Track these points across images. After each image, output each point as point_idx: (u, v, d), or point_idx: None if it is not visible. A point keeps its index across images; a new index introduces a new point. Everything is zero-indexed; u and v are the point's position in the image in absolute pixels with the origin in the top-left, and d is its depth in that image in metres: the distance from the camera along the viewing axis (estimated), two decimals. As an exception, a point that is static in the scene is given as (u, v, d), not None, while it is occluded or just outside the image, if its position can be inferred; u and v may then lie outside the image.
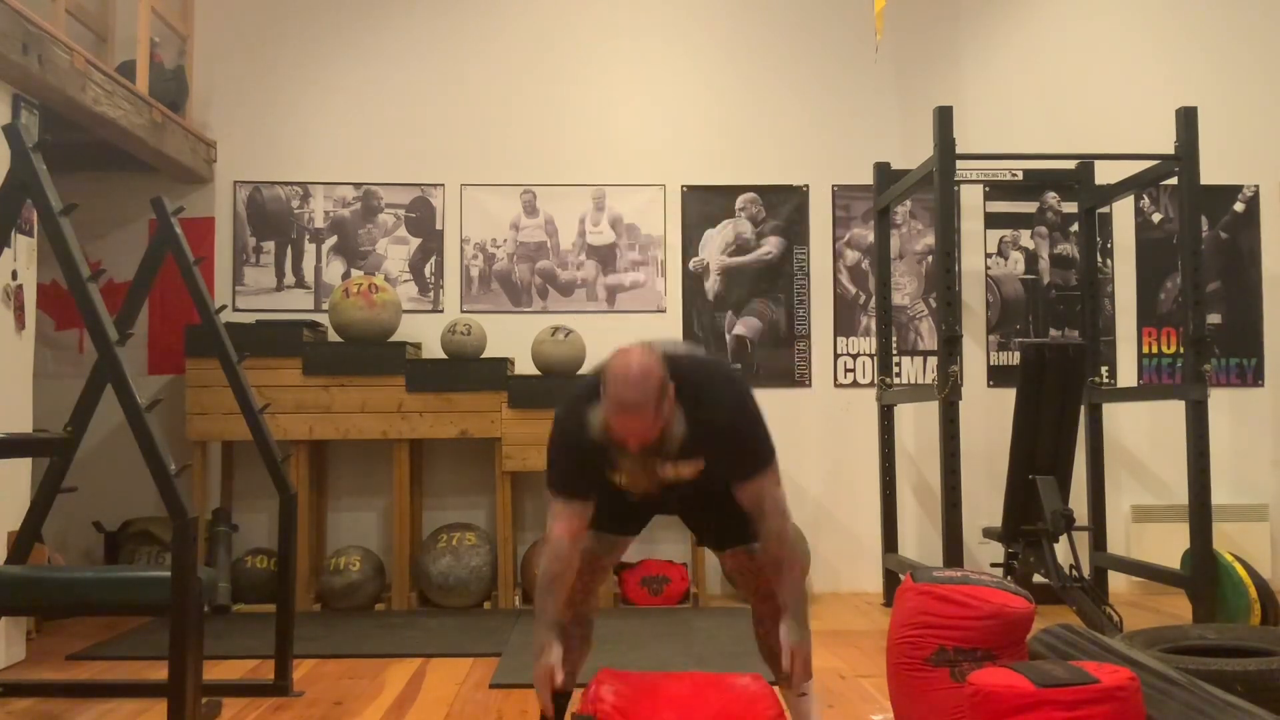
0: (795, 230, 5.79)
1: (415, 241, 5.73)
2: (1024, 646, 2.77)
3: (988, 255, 5.83)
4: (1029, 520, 4.52)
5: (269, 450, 3.65)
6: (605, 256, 5.76)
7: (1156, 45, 5.90)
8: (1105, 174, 5.46)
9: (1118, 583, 5.53)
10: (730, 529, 2.67)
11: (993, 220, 5.85)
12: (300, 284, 5.70)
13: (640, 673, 2.71)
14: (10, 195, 2.97)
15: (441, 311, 5.70)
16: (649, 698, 2.47)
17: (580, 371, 5.32)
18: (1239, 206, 5.85)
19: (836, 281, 5.78)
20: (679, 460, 2.50)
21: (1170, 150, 4.79)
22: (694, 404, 2.46)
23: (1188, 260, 4.68)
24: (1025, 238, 5.84)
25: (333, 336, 5.40)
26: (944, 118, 4.61)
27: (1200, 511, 4.52)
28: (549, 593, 2.50)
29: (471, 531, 5.26)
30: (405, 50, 5.78)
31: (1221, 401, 5.64)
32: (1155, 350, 5.82)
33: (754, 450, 2.55)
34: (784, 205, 5.79)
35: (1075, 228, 5.76)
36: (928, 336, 5.77)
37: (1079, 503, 5.15)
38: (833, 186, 5.81)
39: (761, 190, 5.79)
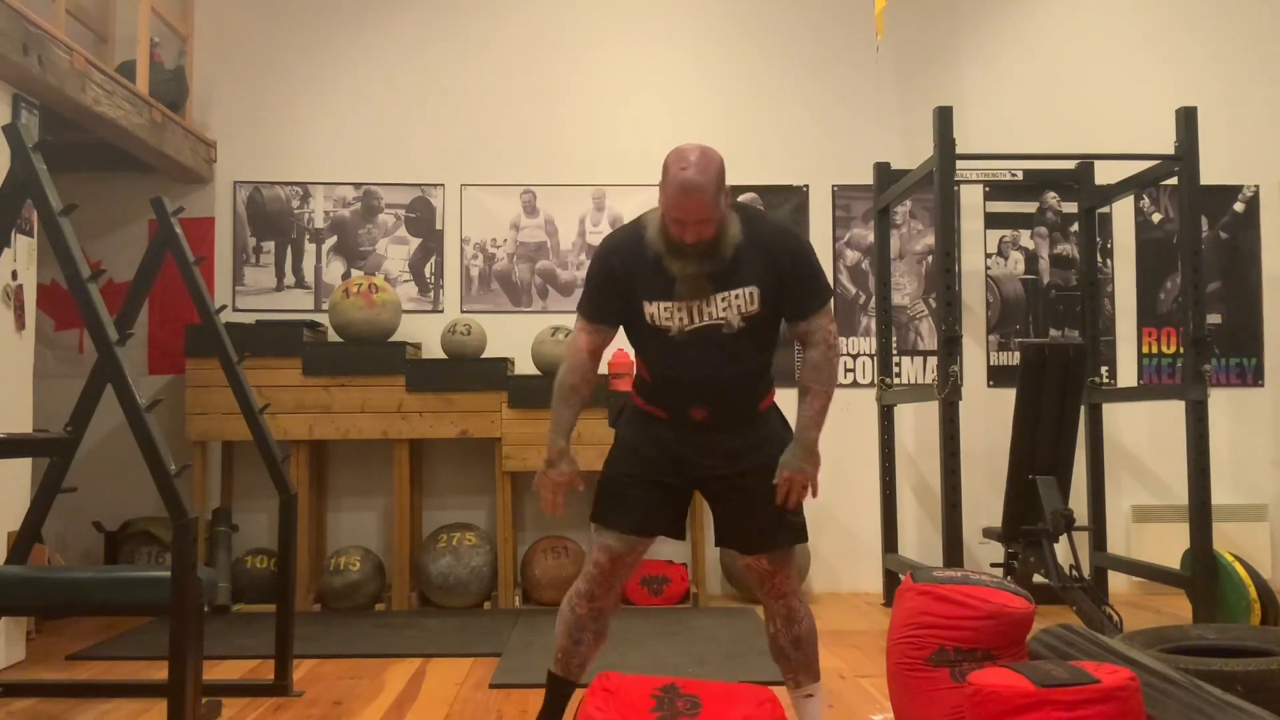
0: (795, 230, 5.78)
1: (415, 241, 5.73)
2: (1024, 646, 2.77)
3: (988, 255, 5.83)
4: (1029, 520, 4.52)
5: (269, 450, 3.65)
6: (605, 256, 5.75)
7: (1156, 45, 5.90)
8: (1105, 174, 5.46)
9: (1118, 583, 5.53)
10: (763, 531, 2.64)
11: (993, 220, 5.85)
12: (300, 284, 5.70)
13: (637, 678, 2.71)
14: (10, 195, 2.97)
15: (441, 311, 5.70)
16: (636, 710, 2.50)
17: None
18: (1239, 206, 5.85)
19: (836, 281, 5.78)
20: (732, 282, 2.48)
21: (1170, 150, 4.79)
22: (752, 225, 2.50)
23: (1188, 260, 4.68)
24: (1025, 238, 5.84)
25: (333, 336, 5.39)
26: (944, 118, 4.61)
27: (1200, 511, 4.53)
28: (565, 404, 2.55)
29: (471, 531, 5.26)
30: (405, 50, 5.78)
31: (1221, 401, 5.64)
32: (1155, 350, 5.82)
33: (814, 279, 2.55)
34: (784, 205, 5.79)
35: (1075, 228, 5.76)
36: (928, 336, 5.77)
37: (1079, 503, 5.15)
38: (833, 186, 5.81)
39: (761, 190, 5.78)
